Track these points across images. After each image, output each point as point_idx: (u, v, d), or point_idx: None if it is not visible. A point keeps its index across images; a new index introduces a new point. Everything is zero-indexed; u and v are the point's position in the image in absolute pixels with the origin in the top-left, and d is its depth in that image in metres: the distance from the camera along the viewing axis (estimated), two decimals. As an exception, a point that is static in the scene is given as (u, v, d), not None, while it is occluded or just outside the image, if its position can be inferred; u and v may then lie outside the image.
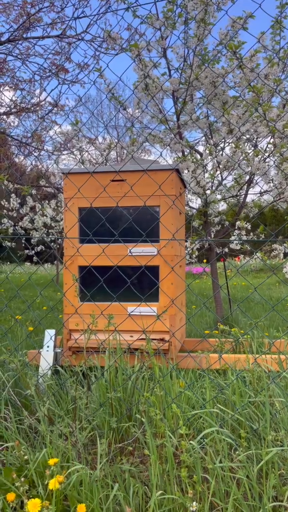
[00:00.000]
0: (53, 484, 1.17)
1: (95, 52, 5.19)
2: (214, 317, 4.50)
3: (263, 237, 3.94)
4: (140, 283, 2.14)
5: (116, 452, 1.58)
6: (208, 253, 4.13)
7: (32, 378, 1.51)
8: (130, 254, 2.12)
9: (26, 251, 9.24)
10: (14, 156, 7.45)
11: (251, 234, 3.94)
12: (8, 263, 17.01)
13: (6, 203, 9.45)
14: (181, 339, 2.38)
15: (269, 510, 1.16)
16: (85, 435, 1.56)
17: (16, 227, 9.31)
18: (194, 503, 1.23)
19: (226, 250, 4.61)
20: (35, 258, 9.14)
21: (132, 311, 2.08)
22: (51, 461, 1.25)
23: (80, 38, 4.82)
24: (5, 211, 8.82)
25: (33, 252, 8.88)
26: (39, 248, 9.38)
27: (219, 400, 1.61)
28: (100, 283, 2.11)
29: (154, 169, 2.08)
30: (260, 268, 11.34)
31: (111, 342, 1.91)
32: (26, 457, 1.33)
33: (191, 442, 1.28)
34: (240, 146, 3.32)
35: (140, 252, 2.12)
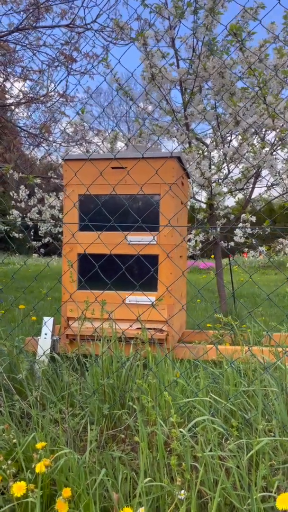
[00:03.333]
0: (39, 467, 1.17)
1: (108, 44, 5.15)
2: (218, 311, 4.47)
3: (268, 231, 3.89)
4: (139, 272, 2.12)
5: (109, 439, 1.57)
6: (214, 247, 4.10)
7: (23, 362, 1.51)
8: (128, 242, 2.10)
9: (34, 243, 9.26)
10: (22, 146, 7.45)
11: (257, 228, 3.90)
12: (17, 254, 17.08)
13: (15, 194, 9.47)
14: (180, 330, 2.36)
15: (257, 500, 1.14)
16: (77, 421, 1.55)
17: (25, 218, 9.32)
18: (182, 491, 1.22)
19: (232, 244, 4.57)
20: (42, 250, 9.16)
21: (127, 300, 2.06)
22: (39, 445, 1.24)
23: (89, 27, 4.79)
24: (13, 202, 8.84)
25: (40, 243, 8.90)
26: (46, 240, 9.39)
27: (214, 390, 1.59)
28: (97, 271, 2.10)
29: (155, 157, 2.05)
30: (267, 264, 11.25)
31: (108, 331, 1.90)
32: (14, 440, 1.33)
33: (181, 430, 1.26)
34: (246, 138, 3.27)
35: (139, 241, 2.09)
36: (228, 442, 1.26)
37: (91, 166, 2.12)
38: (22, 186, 9.10)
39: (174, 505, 1.24)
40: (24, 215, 9.21)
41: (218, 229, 4.24)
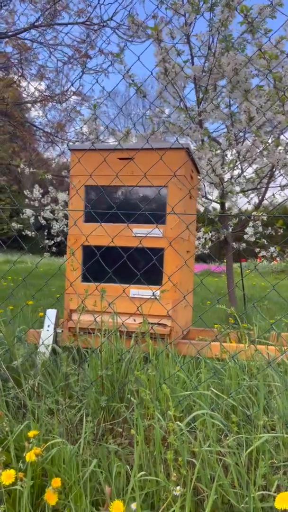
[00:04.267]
0: (29, 456, 1.13)
1: (125, 43, 5.13)
2: (227, 313, 4.39)
3: (281, 232, 3.81)
4: (144, 265, 2.07)
5: (106, 432, 1.52)
6: (225, 248, 4.03)
7: (20, 349, 1.47)
8: (134, 234, 2.06)
9: (46, 241, 9.29)
10: (38, 146, 7.48)
11: (269, 228, 3.83)
12: (30, 254, 17.17)
13: (29, 193, 9.52)
14: (185, 326, 2.31)
15: (255, 499, 1.09)
16: (74, 413, 1.52)
17: (39, 217, 9.35)
18: (178, 487, 1.16)
19: (244, 245, 4.50)
20: (54, 249, 9.17)
21: (131, 293, 2.02)
22: (31, 433, 1.21)
23: (105, 25, 4.78)
24: (27, 200, 8.88)
25: (52, 242, 8.91)
26: (58, 239, 9.40)
27: (216, 387, 1.54)
28: (101, 263, 2.06)
29: (163, 147, 2.01)
30: (282, 269, 11.09)
31: (109, 323, 1.86)
32: (7, 429, 1.29)
33: (178, 423, 1.21)
34: (260, 135, 3.21)
35: (145, 233, 2.05)
36: (228, 438, 1.21)
37: (98, 157, 2.09)
38: (36, 185, 9.15)
39: (169, 501, 1.19)
40: (38, 214, 9.25)
41: (230, 229, 4.17)
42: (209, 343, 1.58)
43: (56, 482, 1.09)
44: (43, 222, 9.40)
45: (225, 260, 4.22)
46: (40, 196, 9.09)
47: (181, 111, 3.92)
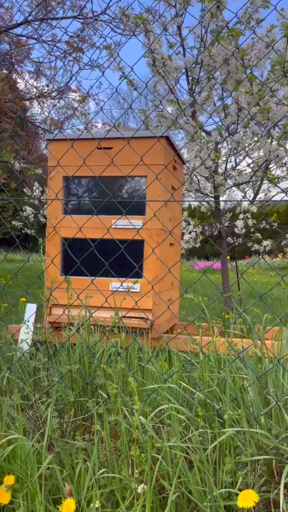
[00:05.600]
0: (-18, 452, 1.08)
1: (121, 37, 5.07)
2: (222, 309, 4.33)
3: (276, 226, 3.74)
4: (124, 258, 2.02)
5: (77, 428, 1.47)
6: (219, 243, 3.96)
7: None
8: (113, 227, 2.01)
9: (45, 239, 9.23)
10: (34, 140, 7.45)
11: (263, 222, 3.76)
12: (33, 252, 17.17)
13: (29, 191, 9.49)
14: (169, 320, 2.25)
15: (217, 496, 1.03)
16: (44, 409, 1.47)
17: (38, 215, 9.33)
18: (142, 484, 1.12)
19: (240, 240, 4.43)
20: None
21: (111, 286, 1.97)
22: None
23: (97, 18, 4.73)
24: (26, 198, 8.84)
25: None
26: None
27: (189, 381, 1.49)
28: (80, 256, 2.01)
29: (142, 136, 1.95)
30: (283, 266, 11.00)
31: (78, 317, 1.81)
32: None
33: (141, 418, 1.16)
34: (249, 127, 3.14)
35: (125, 225, 2.00)
36: (193, 433, 1.15)
37: (78, 147, 2.04)
38: (36, 183, 9.12)
39: (131, 498, 1.14)
40: (38, 212, 9.22)
41: (226, 223, 4.10)
42: (175, 338, 1.53)
43: (9, 480, 1.05)
44: (43, 220, 9.39)
45: (228, 258, 4.16)
46: (40, 194, 9.07)
47: (172, 103, 3.86)
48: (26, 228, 9.76)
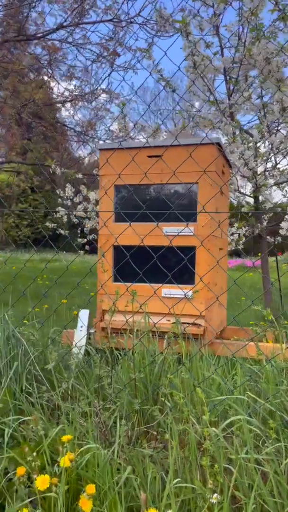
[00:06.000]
0: (64, 461, 1.12)
1: (152, 37, 5.08)
2: (262, 308, 4.28)
3: None
4: (175, 264, 2.04)
5: (141, 436, 1.50)
6: (260, 242, 3.93)
7: (52, 352, 1.47)
8: (164, 233, 2.02)
9: (79, 240, 9.36)
10: (69, 145, 7.56)
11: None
12: (64, 252, 17.44)
13: (62, 192, 9.64)
14: (219, 325, 2.26)
15: (296, 510, 1.04)
16: (108, 416, 1.50)
17: (71, 216, 9.47)
18: (215, 494, 1.13)
19: (279, 239, 4.38)
20: (87, 247, 9.24)
21: (162, 293, 1.99)
22: (64, 438, 1.20)
23: (132, 21, 4.75)
24: (59, 199, 9.00)
25: (86, 240, 8.97)
26: (91, 237, 9.47)
27: (253, 389, 1.49)
28: (132, 263, 2.04)
29: (192, 143, 1.96)
30: None
31: (142, 324, 1.84)
32: (42, 432, 1.29)
33: (214, 429, 1.18)
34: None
35: (176, 232, 2.02)
36: (266, 444, 1.16)
37: (126, 156, 2.06)
38: (68, 184, 9.26)
39: (206, 509, 1.16)
40: (70, 213, 9.35)
41: (265, 223, 4.06)
42: (243, 347, 1.53)
43: (91, 489, 1.08)
44: (75, 220, 9.51)
45: (259, 254, 4.12)
46: (73, 195, 9.19)
47: (211, 104, 3.84)
48: (59, 229, 9.92)
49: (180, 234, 2.00)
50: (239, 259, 13.03)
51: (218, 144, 2.01)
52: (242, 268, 11.32)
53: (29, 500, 1.09)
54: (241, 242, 3.33)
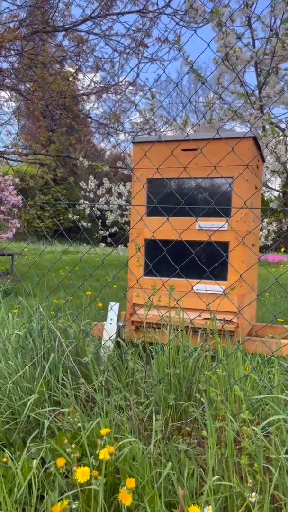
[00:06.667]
0: (103, 454, 1.13)
1: (181, 29, 5.02)
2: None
3: None
4: (208, 259, 2.02)
5: (173, 431, 1.50)
6: (286, 238, 3.87)
7: (89, 345, 1.48)
8: (198, 228, 2.00)
9: (101, 232, 9.40)
10: (93, 137, 7.55)
11: None
12: (85, 244, 17.55)
13: (84, 184, 9.68)
14: (250, 322, 2.23)
15: None
16: (142, 410, 1.51)
17: (93, 209, 9.51)
18: (254, 493, 1.12)
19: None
20: (108, 239, 9.27)
21: (195, 288, 1.98)
22: (103, 431, 1.21)
23: (161, 12, 4.69)
24: (82, 192, 9.04)
25: (107, 233, 9.00)
26: (113, 230, 9.49)
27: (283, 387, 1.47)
28: (164, 257, 2.03)
29: (229, 137, 1.93)
30: None
31: (175, 319, 1.83)
32: (79, 424, 1.30)
33: (253, 428, 1.16)
34: None
35: (209, 227, 1.99)
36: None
37: (160, 149, 2.05)
38: (91, 177, 9.28)
39: (244, 507, 1.15)
40: (93, 205, 9.38)
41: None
42: (282, 347, 1.51)
43: (131, 483, 1.08)
44: (97, 213, 9.54)
45: (282, 250, 4.05)
46: (96, 187, 9.22)
47: (241, 96, 3.78)
48: (82, 221, 9.95)
49: (213, 228, 1.98)
50: (261, 254, 12.90)
51: (255, 137, 1.97)
52: (263, 263, 11.20)
53: (71, 492, 1.10)
54: (270, 237, 3.29)
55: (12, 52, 5.23)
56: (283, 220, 3.49)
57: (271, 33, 3.71)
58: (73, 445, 1.21)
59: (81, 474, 1.09)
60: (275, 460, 1.17)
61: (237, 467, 1.27)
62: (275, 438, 1.23)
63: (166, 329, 1.61)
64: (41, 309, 1.72)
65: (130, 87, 7.13)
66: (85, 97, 7.24)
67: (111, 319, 2.16)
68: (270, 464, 1.23)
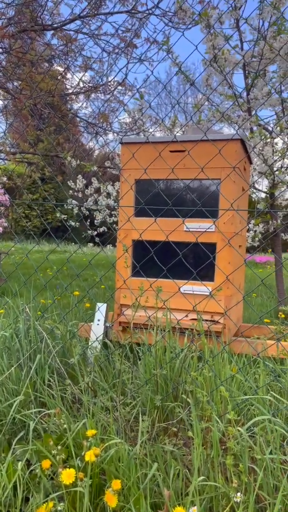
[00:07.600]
0: (89, 456, 1.12)
1: (170, 30, 5.03)
2: (275, 306, 4.27)
3: None
4: (196, 260, 2.03)
5: (160, 431, 1.51)
6: (273, 239, 3.90)
7: (76, 346, 1.47)
8: (185, 229, 2.01)
9: (89, 232, 9.37)
10: (81, 137, 7.52)
11: None
12: (73, 243, 17.47)
13: (73, 183, 9.64)
14: (237, 323, 2.25)
15: None
16: (128, 411, 1.51)
17: (82, 208, 9.47)
18: (239, 493, 1.13)
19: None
20: (97, 239, 9.24)
21: (182, 289, 1.98)
22: (89, 433, 1.20)
23: (150, 12, 4.70)
24: (71, 191, 9.00)
25: (96, 233, 8.97)
26: (101, 229, 9.46)
27: (274, 389, 1.48)
28: (152, 258, 2.03)
29: (216, 139, 1.94)
30: None
31: (162, 320, 1.83)
32: (65, 426, 1.30)
33: (239, 428, 1.17)
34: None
35: (197, 228, 2.00)
36: (291, 445, 1.16)
37: (148, 150, 2.05)
38: (79, 176, 9.24)
39: (229, 507, 1.16)
40: (81, 205, 9.34)
41: (280, 220, 4.03)
42: (268, 348, 1.52)
43: (117, 484, 1.08)
44: (86, 212, 9.50)
45: (269, 251, 4.09)
46: (84, 187, 9.18)
47: (230, 98, 3.80)
48: (70, 221, 9.90)
49: (200, 230, 1.99)
50: (248, 254, 12.98)
51: (242, 140, 1.98)
52: (251, 263, 11.27)
53: (56, 494, 1.10)
54: (256, 239, 3.31)
55: (0, 50, 5.18)
56: (270, 222, 3.52)
57: (259, 35, 3.74)
58: (59, 447, 1.21)
59: (67, 476, 1.09)
60: (260, 461, 1.18)
61: (222, 467, 1.27)
62: (260, 438, 1.24)
63: (153, 330, 1.62)
64: (28, 310, 1.71)
65: (119, 87, 7.12)
66: (73, 97, 7.22)
67: (98, 320, 2.16)
68: (255, 465, 1.24)
